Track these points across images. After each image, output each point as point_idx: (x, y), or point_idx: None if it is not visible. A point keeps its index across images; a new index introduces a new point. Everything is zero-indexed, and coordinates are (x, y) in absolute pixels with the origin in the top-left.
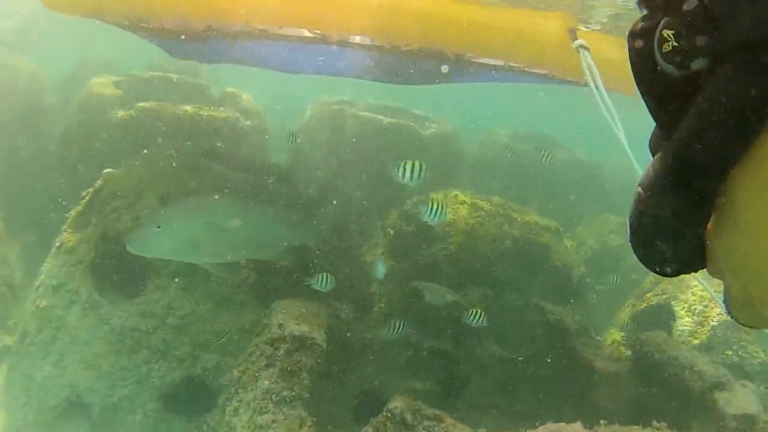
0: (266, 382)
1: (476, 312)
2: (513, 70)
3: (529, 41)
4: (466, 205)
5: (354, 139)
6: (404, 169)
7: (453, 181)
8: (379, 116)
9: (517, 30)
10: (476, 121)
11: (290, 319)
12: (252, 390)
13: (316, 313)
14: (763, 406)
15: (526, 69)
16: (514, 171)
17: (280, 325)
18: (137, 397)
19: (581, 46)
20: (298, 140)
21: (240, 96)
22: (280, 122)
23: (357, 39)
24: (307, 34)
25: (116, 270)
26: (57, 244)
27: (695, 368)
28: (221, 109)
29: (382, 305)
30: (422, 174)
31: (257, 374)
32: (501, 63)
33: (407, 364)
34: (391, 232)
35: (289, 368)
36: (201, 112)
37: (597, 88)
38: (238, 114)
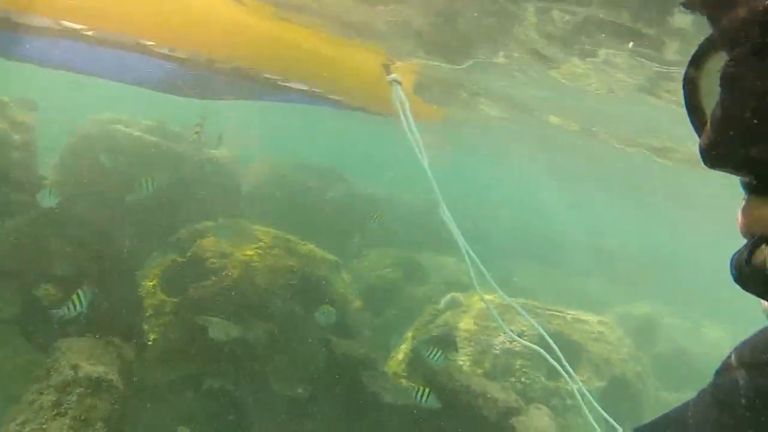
0: None
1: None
2: (321, 97)
3: (343, 70)
4: (245, 235)
5: (125, 159)
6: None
7: (228, 209)
8: (153, 138)
9: (332, 59)
10: (258, 149)
11: (83, 359)
12: None
13: (106, 352)
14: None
15: (335, 97)
16: (291, 202)
17: (74, 366)
18: None
19: (394, 80)
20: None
21: (9, 105)
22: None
23: (158, 48)
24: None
25: None
26: None
27: (488, 395)
28: None
29: (159, 340)
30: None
31: (44, 426)
32: (309, 88)
33: (187, 408)
34: (162, 265)
35: (83, 417)
36: None
37: (407, 121)
38: (6, 126)
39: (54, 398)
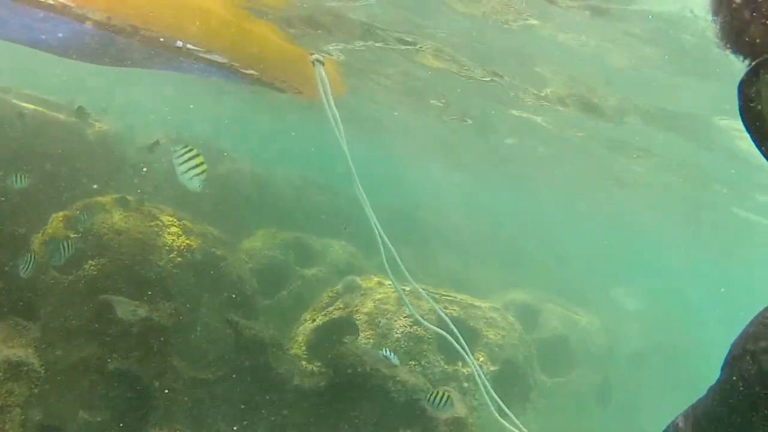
0: None
1: None
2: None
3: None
4: (137, 213)
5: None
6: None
7: (115, 186)
8: (41, 108)
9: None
10: (142, 122)
11: (1, 340)
12: None
13: (16, 333)
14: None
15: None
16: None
17: None
18: None
19: (317, 60)
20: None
21: None
22: None
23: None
24: None
25: None
26: None
27: (397, 378)
28: None
29: (58, 320)
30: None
31: None
32: (228, 62)
33: (88, 390)
34: (49, 239)
35: (0, 403)
36: None
37: (327, 100)
38: None
39: None
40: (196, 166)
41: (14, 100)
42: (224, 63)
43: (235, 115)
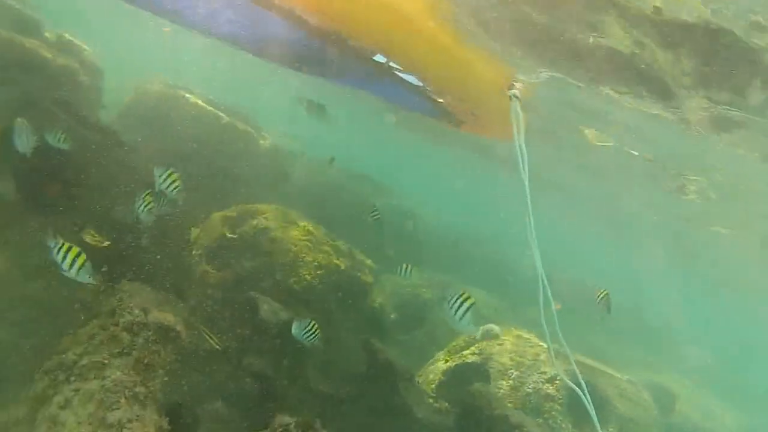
0: (118, 373)
1: (311, 324)
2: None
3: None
4: (293, 226)
5: (184, 127)
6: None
7: (279, 198)
8: (219, 112)
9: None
10: (307, 144)
11: (152, 305)
12: (96, 379)
13: (168, 304)
14: None
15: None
16: (334, 202)
17: (144, 309)
18: None
19: (514, 95)
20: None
21: (81, 47)
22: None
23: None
24: None
25: None
26: None
27: (524, 428)
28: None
29: (203, 309)
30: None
31: (105, 361)
32: (423, 84)
33: (222, 382)
34: (211, 236)
35: (146, 360)
36: (42, 52)
37: (519, 137)
38: (78, 65)
39: (119, 336)
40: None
41: (193, 100)
42: (418, 86)
43: (403, 151)
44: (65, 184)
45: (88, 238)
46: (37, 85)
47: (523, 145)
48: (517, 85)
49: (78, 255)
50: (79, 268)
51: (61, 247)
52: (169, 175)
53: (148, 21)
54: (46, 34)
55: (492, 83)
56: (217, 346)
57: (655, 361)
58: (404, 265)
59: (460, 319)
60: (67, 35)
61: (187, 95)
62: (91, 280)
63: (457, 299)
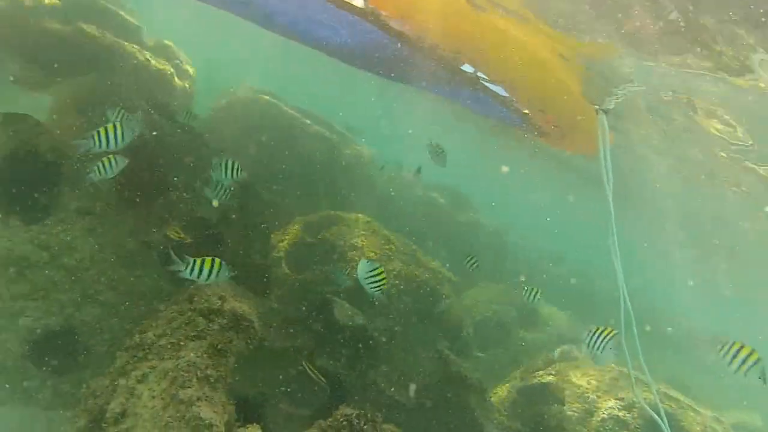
0: (192, 354)
1: (379, 272)
2: (512, 106)
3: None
4: (373, 234)
5: (275, 134)
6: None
7: (360, 207)
8: (307, 120)
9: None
10: (393, 156)
11: (230, 293)
12: (171, 359)
13: (245, 296)
14: None
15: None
16: (418, 214)
17: (221, 298)
18: (1, 332)
19: (601, 109)
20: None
21: (177, 53)
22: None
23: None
24: None
25: (21, 188)
26: None
27: None
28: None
29: (280, 307)
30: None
31: (181, 343)
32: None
33: (293, 381)
34: (292, 240)
35: (219, 346)
36: (142, 56)
37: (605, 151)
38: (172, 70)
39: (195, 321)
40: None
41: (287, 110)
42: (504, 97)
43: (483, 164)
44: (155, 180)
45: (171, 234)
46: (134, 86)
47: (609, 161)
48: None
49: (212, 263)
50: (218, 272)
51: (193, 264)
52: (228, 161)
53: (256, 33)
54: (146, 40)
55: (577, 95)
56: (322, 380)
57: (748, 400)
58: (530, 289)
59: (601, 351)
60: (164, 42)
61: (275, 101)
62: (229, 275)
63: (599, 332)
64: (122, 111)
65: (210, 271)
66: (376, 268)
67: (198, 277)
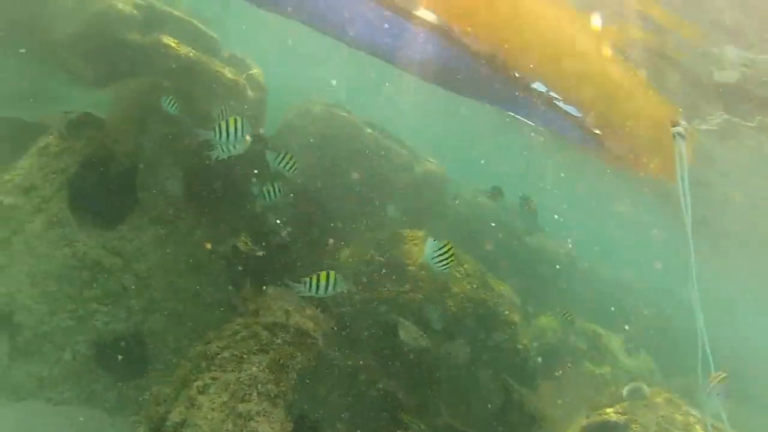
0: (254, 368)
1: (447, 248)
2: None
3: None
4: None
5: (346, 148)
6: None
7: (430, 226)
8: (378, 135)
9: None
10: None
11: (295, 309)
12: (234, 372)
13: (314, 315)
14: None
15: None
16: (493, 239)
17: (287, 312)
18: (73, 334)
19: (678, 133)
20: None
21: (250, 65)
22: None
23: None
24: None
25: (96, 194)
26: (41, 145)
27: None
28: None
29: (345, 326)
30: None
31: (244, 356)
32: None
33: (353, 402)
34: (360, 257)
35: (281, 361)
36: (215, 67)
37: (683, 178)
38: (245, 82)
39: (259, 334)
40: None
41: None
42: (576, 117)
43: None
44: (226, 190)
45: (241, 245)
46: (208, 96)
47: (687, 187)
48: (682, 122)
49: (328, 277)
50: (334, 285)
51: (311, 280)
52: (284, 156)
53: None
54: (222, 52)
55: (652, 119)
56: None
57: None
58: (565, 310)
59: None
60: (238, 54)
61: (346, 115)
62: (345, 287)
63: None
64: (174, 102)
65: (327, 284)
66: (444, 245)
67: (316, 292)
